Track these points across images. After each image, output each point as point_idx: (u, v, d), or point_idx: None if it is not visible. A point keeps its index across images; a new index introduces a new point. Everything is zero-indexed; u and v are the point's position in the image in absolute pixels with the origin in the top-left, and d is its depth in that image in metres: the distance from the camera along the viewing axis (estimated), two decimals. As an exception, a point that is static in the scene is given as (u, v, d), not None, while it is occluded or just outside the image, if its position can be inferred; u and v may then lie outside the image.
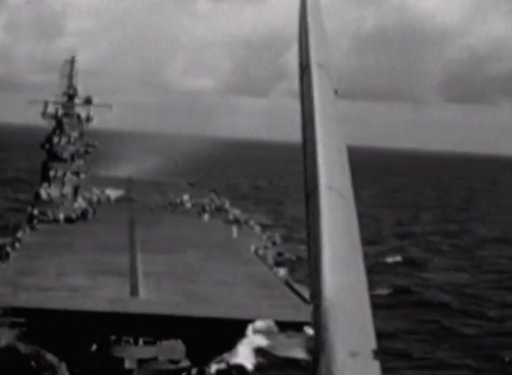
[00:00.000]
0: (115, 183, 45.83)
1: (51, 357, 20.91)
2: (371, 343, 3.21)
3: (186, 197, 42.65)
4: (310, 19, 4.51)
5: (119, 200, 39.91)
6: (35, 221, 31.84)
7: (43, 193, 34.85)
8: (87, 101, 38.61)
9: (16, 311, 19.37)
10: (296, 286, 22.68)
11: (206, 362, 20.12)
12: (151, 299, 19.90)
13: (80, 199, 34.79)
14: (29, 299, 19.90)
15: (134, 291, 20.42)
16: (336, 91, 4.28)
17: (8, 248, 26.09)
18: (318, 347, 3.08)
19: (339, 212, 3.60)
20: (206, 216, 37.20)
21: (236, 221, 35.93)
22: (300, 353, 22.79)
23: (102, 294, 20.08)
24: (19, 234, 28.96)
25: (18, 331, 20.54)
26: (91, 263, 23.97)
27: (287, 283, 23.27)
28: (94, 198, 36.92)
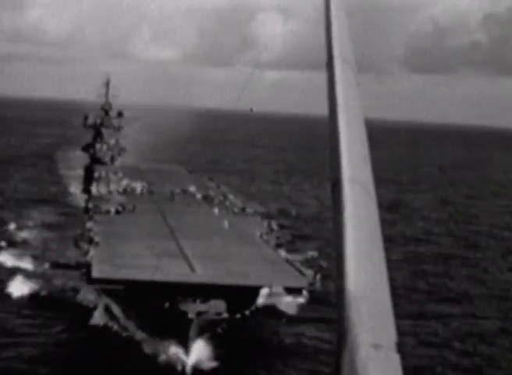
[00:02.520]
0: (128, 172, 49.47)
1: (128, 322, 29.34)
2: (393, 335, 3.22)
3: (192, 188, 47.46)
4: (334, 14, 4.62)
5: (143, 192, 45.71)
6: (91, 212, 38.92)
7: (94, 190, 42.90)
8: (119, 114, 46.77)
9: (117, 282, 26.97)
10: (295, 263, 31.58)
11: (238, 313, 28.66)
12: (204, 273, 28.04)
13: (116, 194, 42.74)
14: (126, 273, 27.26)
15: (192, 268, 28.59)
16: (358, 84, 4.48)
17: (92, 234, 32.99)
18: (340, 339, 3.13)
19: (361, 205, 3.67)
20: (216, 210, 41.49)
21: (243, 210, 42.22)
22: (298, 309, 32.69)
23: (172, 270, 27.91)
24: (89, 224, 35.86)
25: (115, 297, 28.99)
26: (151, 248, 31.38)
27: (287, 261, 32.33)
28: (138, 190, 44.36)
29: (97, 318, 31.00)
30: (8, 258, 41.24)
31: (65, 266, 34.62)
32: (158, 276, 27.11)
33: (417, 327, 34.14)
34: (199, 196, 45.92)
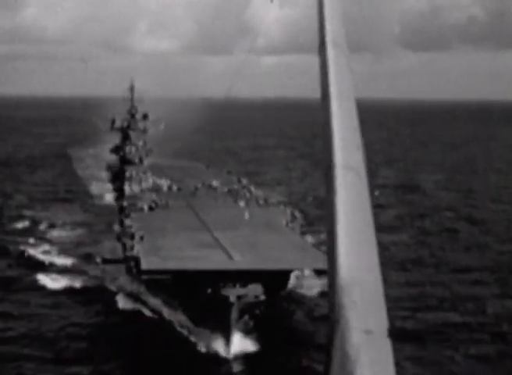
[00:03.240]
0: (152, 171, 50.37)
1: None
2: (384, 321, 3.26)
3: (215, 182, 49.10)
4: (327, 0, 4.59)
5: (170, 189, 47.09)
6: (127, 210, 40.66)
7: (127, 189, 45.55)
8: (145, 117, 49.15)
9: (164, 272, 29.57)
10: (321, 247, 34.23)
11: (275, 296, 31.75)
12: (242, 260, 30.29)
13: (147, 192, 45.16)
14: (173, 264, 29.49)
15: (230, 257, 30.83)
16: (351, 69, 4.42)
17: (133, 230, 34.98)
18: (332, 324, 3.16)
19: (353, 191, 3.68)
20: (241, 203, 43.13)
21: (266, 201, 43.77)
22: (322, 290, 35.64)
23: (212, 259, 30.40)
24: (127, 222, 37.86)
25: (161, 287, 31.65)
26: (191, 240, 33.60)
27: (313, 245, 34.89)
28: (165, 188, 46.22)
29: (122, 302, 34.53)
30: (49, 257, 43.65)
31: (115, 261, 36.97)
32: (202, 265, 29.50)
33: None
34: (226, 189, 47.70)
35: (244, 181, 51.90)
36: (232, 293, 29.25)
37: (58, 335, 31.54)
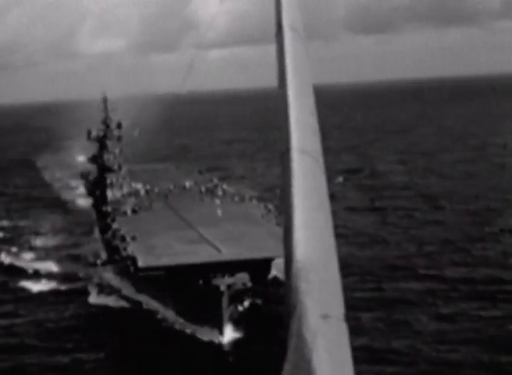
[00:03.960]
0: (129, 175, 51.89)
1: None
2: (341, 305, 3.26)
3: (188, 183, 51.00)
4: None
5: (147, 192, 48.97)
6: (112, 215, 42.62)
7: (109, 195, 47.24)
8: (119, 126, 51.32)
9: (159, 268, 32.02)
10: None
11: (260, 283, 34.15)
12: (228, 252, 33.07)
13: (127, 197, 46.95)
14: (167, 260, 32.22)
15: (218, 250, 33.38)
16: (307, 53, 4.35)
17: (123, 232, 37.29)
18: (289, 309, 3.16)
19: (310, 175, 3.74)
20: (218, 201, 45.04)
21: (242, 197, 46.34)
22: None
23: (202, 253, 32.92)
24: (114, 225, 39.96)
25: (154, 283, 33.69)
26: (179, 237, 36.02)
27: None
28: (142, 192, 48.39)
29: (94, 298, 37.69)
30: (36, 263, 45.86)
31: (114, 261, 39.32)
32: (194, 259, 32.12)
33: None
34: (202, 189, 49.64)
35: (215, 180, 54.29)
36: (222, 282, 31.75)
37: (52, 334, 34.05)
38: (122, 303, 37.47)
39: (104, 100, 51.56)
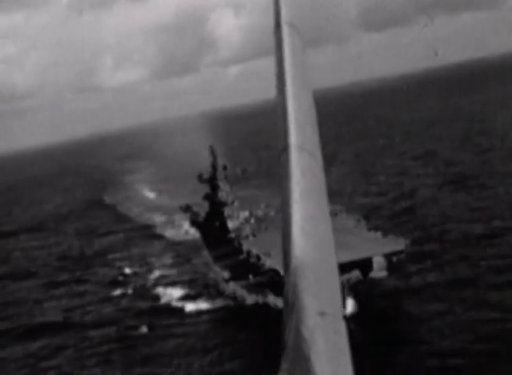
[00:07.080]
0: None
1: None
2: (338, 302, 3.28)
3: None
4: None
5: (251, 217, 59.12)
6: (237, 240, 50.45)
7: (230, 224, 55.74)
8: (225, 168, 59.17)
9: None
10: (387, 237, 43.54)
11: (367, 276, 41.57)
12: (345, 255, 37.88)
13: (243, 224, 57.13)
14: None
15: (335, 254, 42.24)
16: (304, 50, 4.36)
17: (255, 251, 44.50)
18: (287, 305, 3.17)
19: (308, 172, 3.70)
20: None
21: (335, 214, 51.42)
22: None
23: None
24: (245, 247, 47.21)
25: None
26: None
27: (382, 237, 44.93)
28: (252, 219, 58.27)
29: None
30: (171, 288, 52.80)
31: (259, 274, 44.57)
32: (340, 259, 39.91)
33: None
34: None
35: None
36: (343, 278, 39.21)
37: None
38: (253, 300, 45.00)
39: (212, 151, 59.07)
